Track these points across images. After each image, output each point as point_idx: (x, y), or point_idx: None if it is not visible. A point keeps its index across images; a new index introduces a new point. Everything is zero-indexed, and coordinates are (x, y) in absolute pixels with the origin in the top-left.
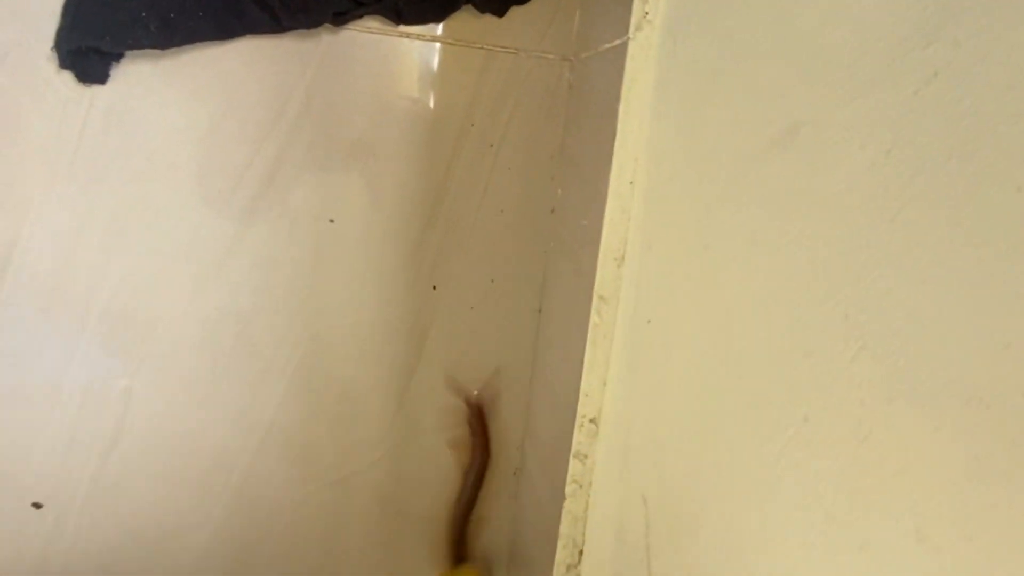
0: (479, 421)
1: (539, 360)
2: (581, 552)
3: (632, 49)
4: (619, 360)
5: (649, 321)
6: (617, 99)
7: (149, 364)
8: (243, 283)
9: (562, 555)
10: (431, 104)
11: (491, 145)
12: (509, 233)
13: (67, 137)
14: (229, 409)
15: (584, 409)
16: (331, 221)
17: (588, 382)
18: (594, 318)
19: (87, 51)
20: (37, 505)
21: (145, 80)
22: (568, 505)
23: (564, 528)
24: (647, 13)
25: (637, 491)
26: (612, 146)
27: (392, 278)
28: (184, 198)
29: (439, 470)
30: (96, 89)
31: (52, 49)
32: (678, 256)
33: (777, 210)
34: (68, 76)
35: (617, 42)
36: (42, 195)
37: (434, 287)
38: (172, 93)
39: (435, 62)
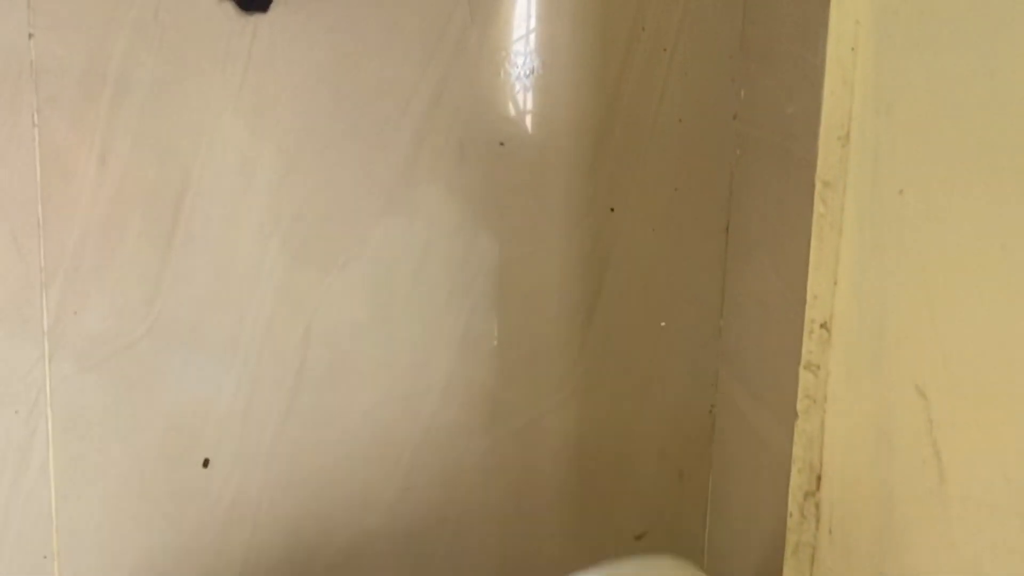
0: None
1: (731, 280)
2: (819, 477)
3: None
4: (856, 250)
5: (902, 191)
6: None
7: (325, 306)
8: (416, 213)
9: (797, 481)
10: (598, 8)
11: (665, 49)
12: (689, 145)
13: (232, 72)
14: (408, 353)
15: (813, 313)
16: (501, 144)
17: (816, 282)
18: (819, 208)
19: None
20: (206, 462)
21: (306, 5)
22: (801, 424)
23: (798, 450)
24: None
25: (906, 386)
26: (826, 12)
27: (567, 202)
28: (352, 126)
29: (632, 409)
30: (258, 19)
31: None
32: (943, 99)
33: None
34: (229, 6)
35: None
36: (209, 137)
37: (612, 209)
38: (334, 17)
39: None
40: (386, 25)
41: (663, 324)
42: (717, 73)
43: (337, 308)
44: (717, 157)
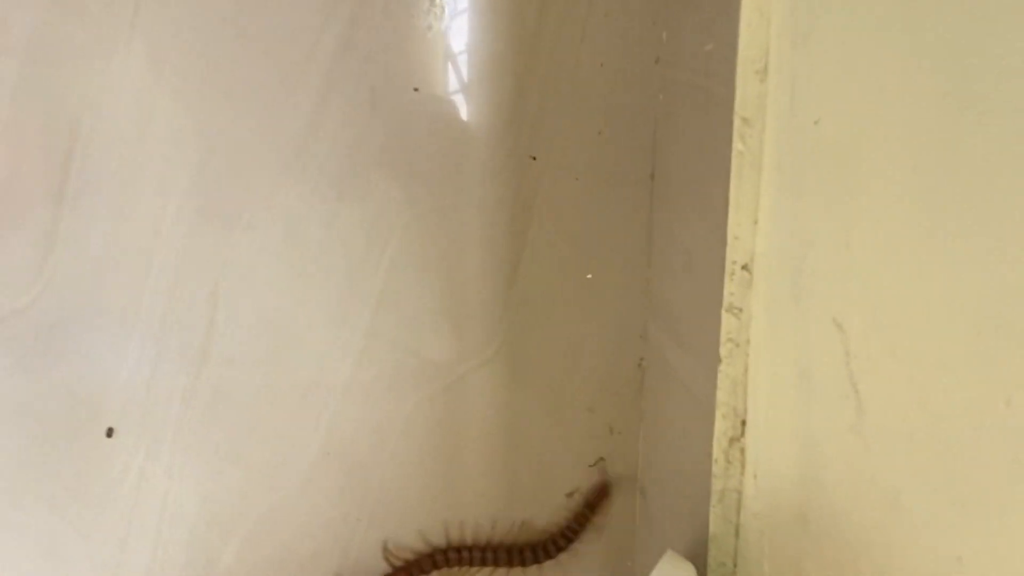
0: (584, 521)
1: (658, 228)
2: (744, 422)
3: None
4: (775, 188)
5: (817, 121)
6: None
7: (235, 263)
8: (323, 171)
9: (722, 426)
10: None
11: None
12: (612, 90)
13: (121, 11)
14: (323, 311)
15: (734, 255)
16: (415, 90)
17: (736, 222)
18: (737, 146)
19: None
20: (110, 432)
21: None
22: (724, 368)
23: (722, 395)
24: None
25: (824, 320)
26: None
27: (486, 151)
28: (256, 71)
29: (560, 365)
30: None
31: None
32: (858, 25)
33: None
34: None
35: None
36: (99, 83)
37: (534, 158)
38: None
39: None
40: None
41: (590, 276)
42: (639, 14)
43: (245, 267)
44: (640, 102)
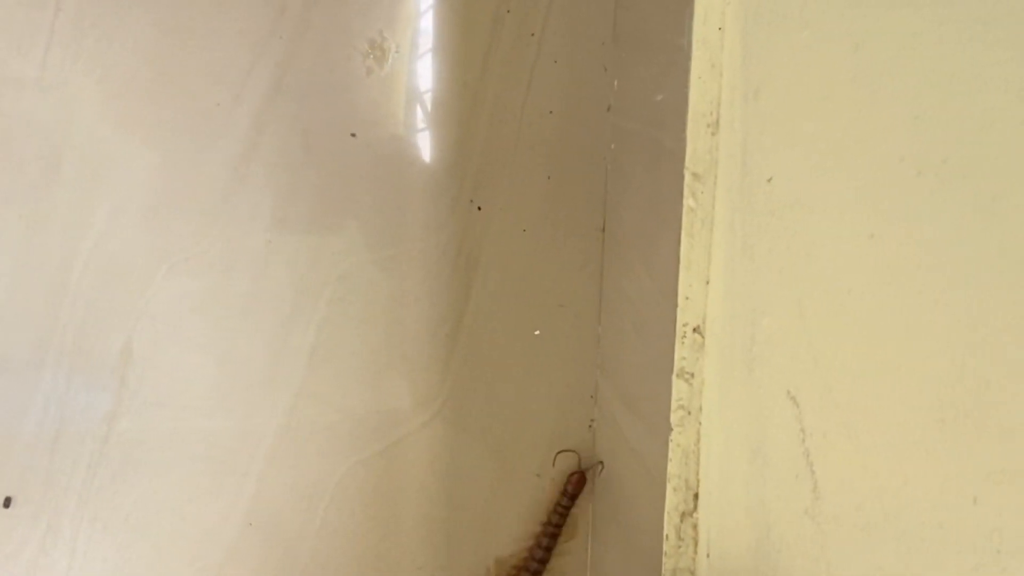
0: (566, 511)
1: (608, 284)
2: (696, 496)
3: None
4: (726, 247)
5: (770, 179)
6: None
7: (151, 316)
8: (255, 217)
9: (673, 500)
10: None
11: (532, 34)
12: (561, 138)
13: (31, 50)
14: (249, 368)
15: (686, 317)
16: (352, 135)
17: (687, 283)
18: (688, 202)
19: None
20: (7, 502)
21: None
22: (676, 437)
23: (673, 467)
24: None
25: (778, 392)
26: None
27: (429, 200)
28: (180, 113)
29: (506, 427)
30: None
31: None
32: (810, 80)
33: None
34: None
35: None
36: (5, 118)
37: (479, 208)
38: None
39: None
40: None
41: (537, 333)
42: (589, 61)
43: (163, 321)
44: (591, 151)
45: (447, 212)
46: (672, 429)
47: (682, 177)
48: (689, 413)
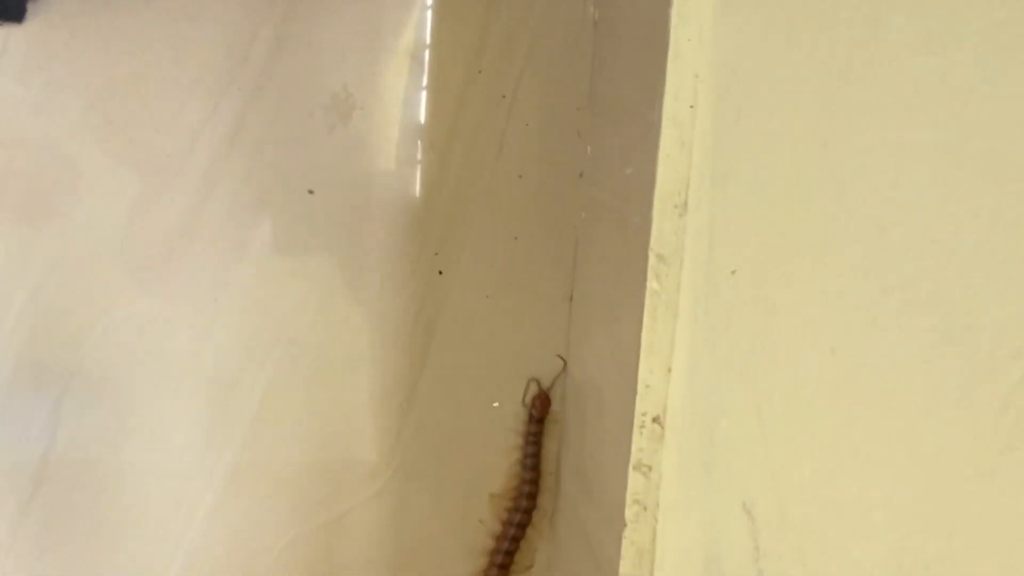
0: (537, 438)
1: (574, 359)
2: None
3: None
4: (690, 335)
5: (734, 272)
6: (668, 2)
7: (84, 375)
8: (198, 273)
9: None
10: (428, 47)
11: (503, 96)
12: (530, 204)
13: None
14: (187, 431)
15: (645, 406)
16: (310, 192)
17: (648, 370)
18: (652, 285)
19: None
20: None
21: (72, 18)
22: (630, 534)
23: (626, 567)
24: None
25: (734, 502)
26: (663, 63)
27: (387, 263)
28: (126, 164)
29: (459, 506)
30: (9, 30)
31: None
32: (777, 173)
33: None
34: None
35: None
36: None
37: (440, 272)
38: (107, 35)
39: None
40: (173, 46)
41: (496, 405)
42: (563, 126)
43: (96, 379)
44: (561, 218)
45: (407, 275)
46: (627, 525)
47: (647, 257)
48: (645, 508)
